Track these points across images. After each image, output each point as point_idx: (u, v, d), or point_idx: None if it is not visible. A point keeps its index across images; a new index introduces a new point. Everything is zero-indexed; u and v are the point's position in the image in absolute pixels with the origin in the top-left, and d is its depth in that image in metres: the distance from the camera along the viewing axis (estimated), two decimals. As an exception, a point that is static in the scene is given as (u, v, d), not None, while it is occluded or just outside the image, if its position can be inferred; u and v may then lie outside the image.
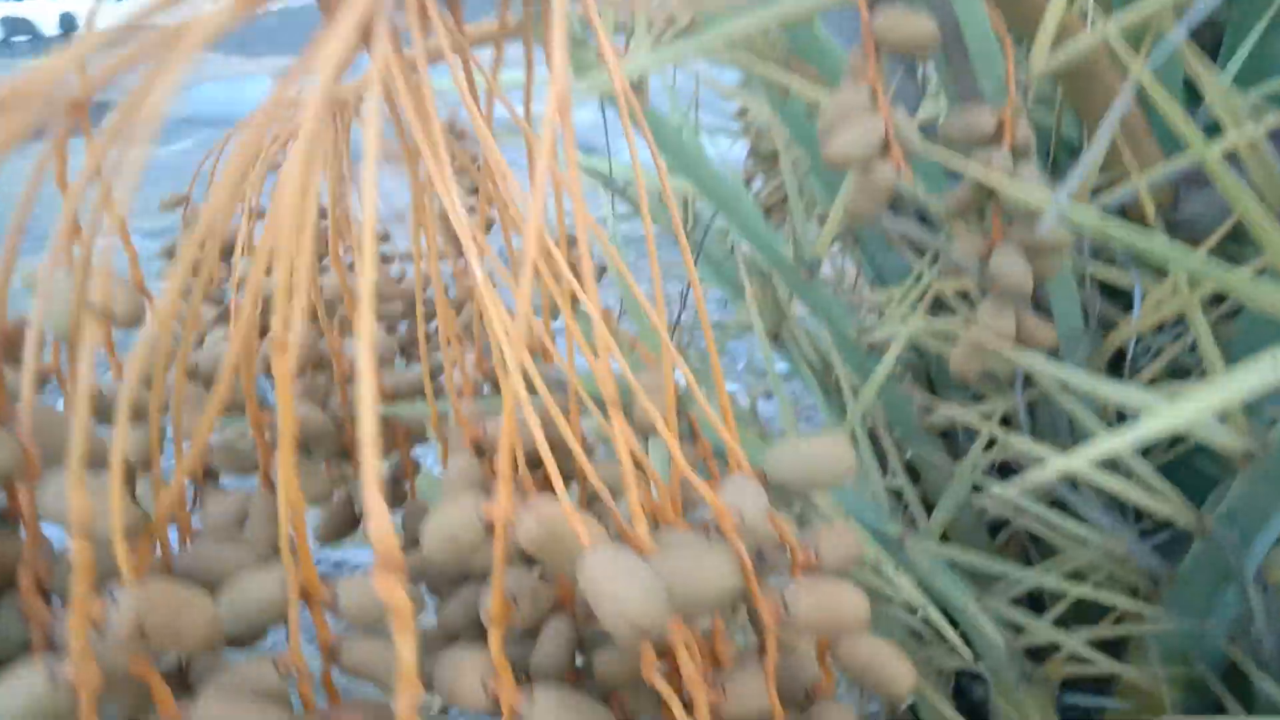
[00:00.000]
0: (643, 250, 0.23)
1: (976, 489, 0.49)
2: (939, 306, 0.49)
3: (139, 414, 0.25)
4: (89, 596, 0.17)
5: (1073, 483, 0.48)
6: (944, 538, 0.51)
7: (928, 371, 0.57)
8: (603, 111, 0.46)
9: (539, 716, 0.21)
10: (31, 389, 0.22)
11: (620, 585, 0.17)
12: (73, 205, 0.22)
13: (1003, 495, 0.45)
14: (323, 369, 0.41)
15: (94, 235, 0.22)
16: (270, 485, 0.35)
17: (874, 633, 0.52)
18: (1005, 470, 0.51)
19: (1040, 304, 0.42)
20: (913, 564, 0.46)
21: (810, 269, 0.45)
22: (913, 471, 0.59)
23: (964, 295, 0.42)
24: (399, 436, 0.40)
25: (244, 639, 0.22)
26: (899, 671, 0.24)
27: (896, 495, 0.57)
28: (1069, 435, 0.45)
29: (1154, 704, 0.48)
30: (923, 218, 0.52)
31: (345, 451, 0.38)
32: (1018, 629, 0.50)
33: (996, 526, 0.56)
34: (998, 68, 0.28)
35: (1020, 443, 0.39)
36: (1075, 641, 0.46)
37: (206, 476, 0.36)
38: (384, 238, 0.68)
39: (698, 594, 0.19)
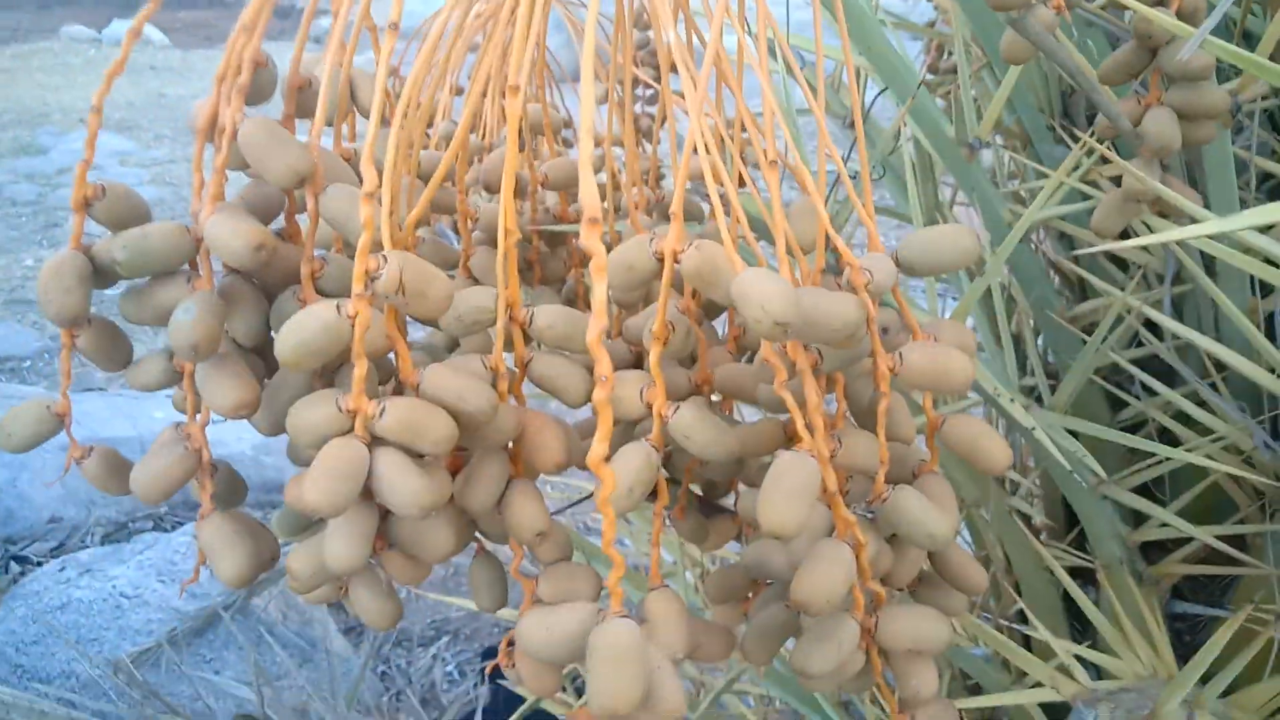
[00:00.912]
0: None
1: (1112, 380, 0.51)
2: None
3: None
4: (368, 255, 0.23)
5: (1212, 385, 0.48)
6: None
7: (1080, 279, 0.58)
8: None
9: (681, 419, 0.25)
10: (318, 138, 0.28)
11: (763, 288, 0.22)
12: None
13: (1135, 372, 0.46)
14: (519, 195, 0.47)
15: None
16: (469, 274, 0.41)
17: (993, 524, 0.55)
18: (1146, 369, 0.52)
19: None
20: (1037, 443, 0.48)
21: (971, 149, 0.47)
22: (1055, 383, 0.60)
23: (1118, 181, 0.44)
24: (576, 261, 0.45)
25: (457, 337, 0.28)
26: (997, 448, 0.28)
27: (1030, 392, 0.58)
28: (1214, 329, 0.46)
29: (1269, 611, 0.49)
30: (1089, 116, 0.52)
31: (530, 264, 0.44)
32: (1136, 521, 0.51)
33: (1128, 431, 0.56)
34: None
35: (1164, 320, 0.41)
36: (1202, 534, 0.47)
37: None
38: (568, 123, 0.74)
39: (825, 315, 0.23)
